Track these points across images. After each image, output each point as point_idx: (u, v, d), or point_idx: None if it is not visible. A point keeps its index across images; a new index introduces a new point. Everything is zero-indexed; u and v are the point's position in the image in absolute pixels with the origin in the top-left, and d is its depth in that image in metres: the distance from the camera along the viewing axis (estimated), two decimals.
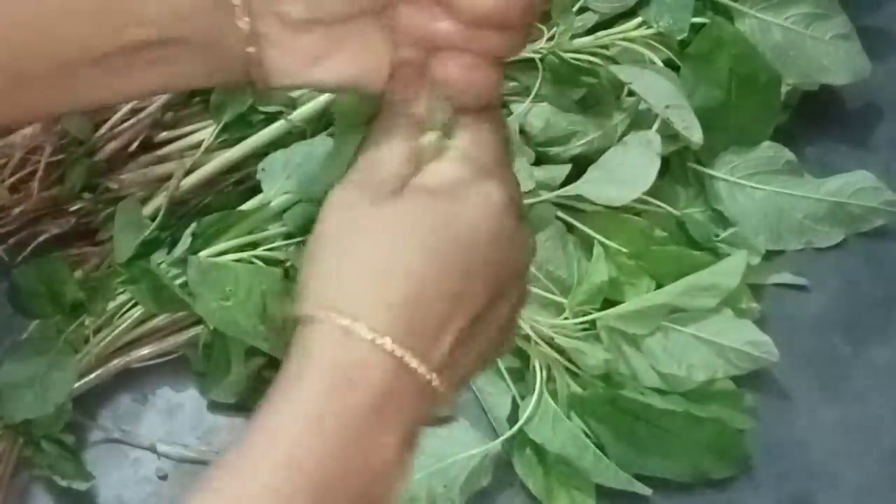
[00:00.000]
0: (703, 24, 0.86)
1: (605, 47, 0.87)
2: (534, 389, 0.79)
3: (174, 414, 0.82)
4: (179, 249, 0.79)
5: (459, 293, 0.45)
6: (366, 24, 0.48)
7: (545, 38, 0.87)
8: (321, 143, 0.82)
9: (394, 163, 0.47)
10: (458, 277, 0.45)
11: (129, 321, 0.80)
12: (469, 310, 0.45)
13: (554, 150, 0.86)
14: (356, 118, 0.77)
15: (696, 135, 0.83)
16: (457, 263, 0.45)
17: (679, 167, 0.87)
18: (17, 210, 0.81)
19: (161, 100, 0.84)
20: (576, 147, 0.85)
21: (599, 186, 0.82)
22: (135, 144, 0.84)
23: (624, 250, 0.83)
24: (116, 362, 0.80)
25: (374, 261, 0.45)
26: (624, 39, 0.87)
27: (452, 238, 0.45)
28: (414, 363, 0.44)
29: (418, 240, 0.45)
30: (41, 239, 0.83)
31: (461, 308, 0.45)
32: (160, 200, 0.82)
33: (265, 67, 0.47)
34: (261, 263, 0.79)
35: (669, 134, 0.83)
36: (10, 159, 0.81)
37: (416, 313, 0.44)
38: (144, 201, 0.83)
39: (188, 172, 0.83)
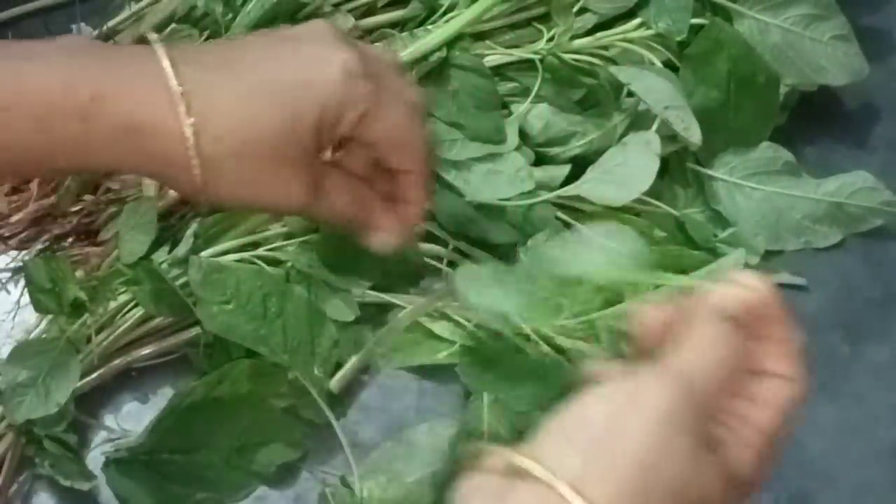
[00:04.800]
0: (702, 26, 0.86)
1: (605, 48, 0.87)
2: None
3: None
4: (181, 249, 0.79)
5: None
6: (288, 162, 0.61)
7: (545, 39, 0.87)
8: None
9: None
10: None
11: (130, 321, 0.80)
12: None
13: (553, 150, 0.86)
14: None
15: (695, 135, 0.83)
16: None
17: (678, 168, 0.87)
18: (15, 217, 0.81)
19: None
20: (575, 147, 0.86)
21: (599, 187, 0.83)
22: None
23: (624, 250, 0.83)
24: (118, 362, 0.80)
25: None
26: (623, 40, 0.87)
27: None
28: None
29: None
30: (43, 239, 0.83)
31: None
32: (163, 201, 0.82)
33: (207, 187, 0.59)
34: (262, 264, 0.80)
35: (669, 134, 0.84)
36: None
37: None
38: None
39: None
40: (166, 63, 0.58)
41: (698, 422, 0.45)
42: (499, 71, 0.87)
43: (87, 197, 0.83)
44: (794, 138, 0.89)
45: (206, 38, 0.85)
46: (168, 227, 0.83)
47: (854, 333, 0.86)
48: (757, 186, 0.87)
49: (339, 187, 0.66)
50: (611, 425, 0.44)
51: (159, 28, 0.86)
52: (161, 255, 0.80)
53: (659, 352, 0.47)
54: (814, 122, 0.92)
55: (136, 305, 0.80)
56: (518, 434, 0.59)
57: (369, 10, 0.90)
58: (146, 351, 0.81)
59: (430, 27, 0.88)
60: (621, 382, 0.46)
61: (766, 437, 0.48)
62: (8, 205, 0.81)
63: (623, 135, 0.85)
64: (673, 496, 0.44)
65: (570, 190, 0.83)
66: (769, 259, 0.87)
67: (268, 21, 0.85)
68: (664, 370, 0.46)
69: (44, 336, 0.80)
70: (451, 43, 0.86)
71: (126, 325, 0.80)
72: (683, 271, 0.82)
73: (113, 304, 0.80)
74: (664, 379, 0.45)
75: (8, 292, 0.83)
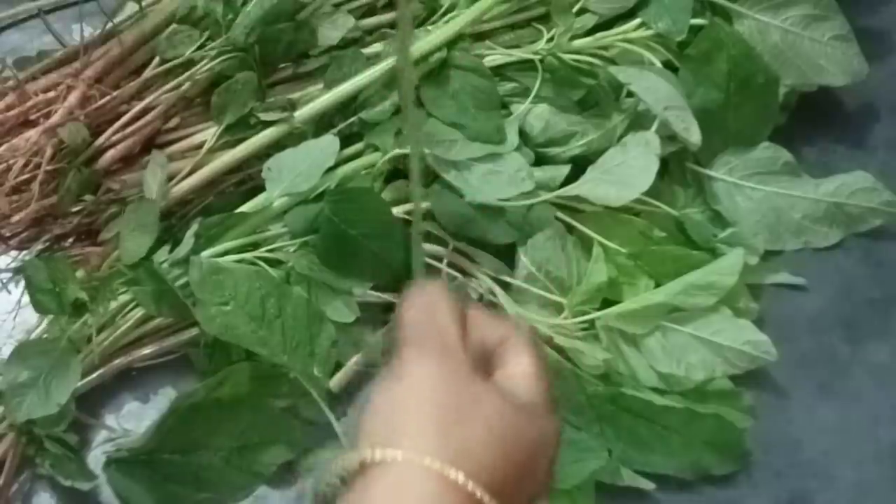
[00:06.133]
0: (702, 26, 0.87)
1: (605, 48, 0.88)
2: None
3: None
4: (182, 250, 0.79)
5: (518, 491, 0.49)
6: None
7: (545, 40, 0.87)
8: (328, 143, 0.83)
9: (468, 355, 0.51)
10: (526, 472, 0.49)
11: (131, 321, 0.80)
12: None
13: (553, 150, 0.86)
14: None
15: (694, 136, 0.83)
16: (522, 467, 0.49)
17: (678, 168, 0.88)
18: (16, 217, 0.81)
19: (161, 108, 0.85)
20: (575, 148, 0.86)
21: (599, 187, 0.83)
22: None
23: (623, 250, 0.83)
24: (119, 362, 0.81)
25: (480, 435, 0.48)
26: (623, 41, 0.87)
27: (525, 450, 0.49)
28: None
29: (506, 438, 0.48)
30: (44, 239, 0.83)
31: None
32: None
33: None
34: (262, 264, 0.80)
35: (668, 135, 0.84)
36: (13, 163, 0.81)
37: (502, 480, 0.47)
38: None
39: (190, 173, 0.84)
40: None
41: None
42: (499, 71, 0.87)
43: (88, 197, 0.83)
44: (794, 138, 0.89)
45: (206, 39, 0.85)
46: (169, 227, 0.83)
47: (854, 333, 0.86)
48: (756, 186, 0.87)
49: None
50: (455, 407, 0.48)
51: (159, 28, 0.86)
52: (162, 255, 0.80)
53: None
54: (813, 123, 0.92)
55: (136, 305, 0.80)
56: None
57: (369, 11, 0.90)
58: (147, 351, 0.81)
59: (430, 27, 0.88)
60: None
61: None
62: (9, 205, 0.81)
63: (623, 135, 0.85)
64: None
65: (570, 190, 0.83)
66: (769, 259, 0.87)
67: (268, 21, 0.85)
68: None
69: (45, 336, 0.80)
70: (451, 43, 0.86)
71: (127, 325, 0.80)
72: (683, 271, 0.82)
73: (114, 305, 0.80)
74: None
75: (9, 292, 0.83)
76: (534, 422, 0.50)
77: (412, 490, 0.46)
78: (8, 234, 0.83)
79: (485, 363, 0.53)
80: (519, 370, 0.52)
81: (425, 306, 0.52)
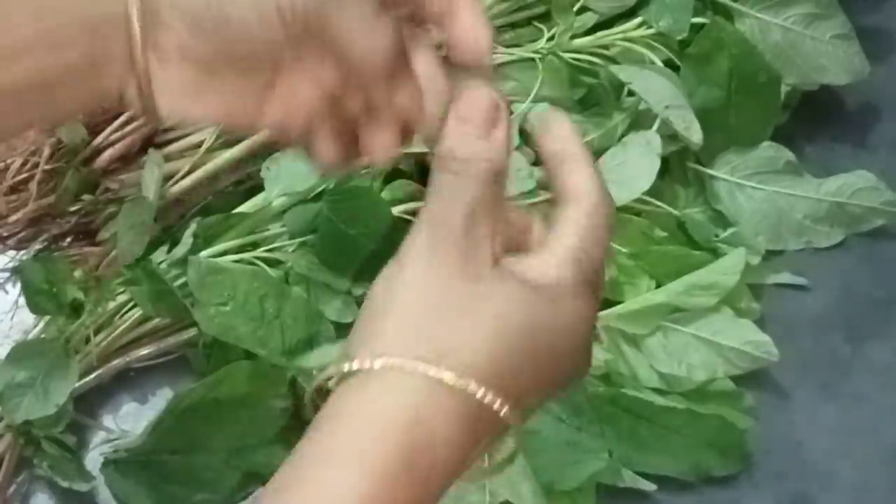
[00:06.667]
0: (703, 25, 0.86)
1: (605, 47, 0.87)
2: None
3: None
4: (181, 250, 0.79)
5: (533, 383, 0.47)
6: (239, 70, 0.48)
7: (545, 38, 0.87)
8: None
9: (487, 243, 0.47)
10: (536, 369, 0.46)
11: (129, 321, 0.80)
12: (534, 397, 0.47)
13: None
14: None
15: (695, 135, 0.83)
16: (536, 356, 0.46)
17: (679, 167, 0.87)
18: (14, 217, 0.81)
19: None
20: None
21: None
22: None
23: (624, 250, 0.83)
24: (117, 362, 0.80)
25: (475, 330, 0.45)
26: (624, 39, 0.87)
27: (539, 337, 0.46)
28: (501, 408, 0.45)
29: (510, 327, 0.46)
30: (42, 239, 0.83)
31: (529, 395, 0.47)
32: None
33: (149, 98, 0.47)
34: (261, 264, 0.79)
35: (669, 134, 0.84)
36: (10, 163, 0.81)
37: (500, 380, 0.45)
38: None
39: (189, 172, 0.83)
40: None
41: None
42: (499, 70, 0.87)
43: (86, 196, 0.83)
44: (796, 138, 0.89)
45: None
46: (167, 226, 0.83)
47: (855, 333, 0.86)
48: (758, 186, 0.87)
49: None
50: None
51: None
52: (160, 255, 0.80)
53: None
54: (815, 122, 0.92)
55: (134, 306, 0.80)
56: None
57: None
58: (145, 351, 0.81)
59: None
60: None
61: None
62: (6, 204, 0.81)
63: (623, 134, 0.85)
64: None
65: None
66: (770, 259, 0.87)
67: None
68: None
69: (42, 336, 0.80)
70: None
71: (125, 326, 0.80)
72: (684, 271, 0.82)
73: (111, 305, 0.80)
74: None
75: (6, 292, 0.83)
76: (553, 308, 0.46)
77: (387, 397, 0.44)
78: (5, 234, 0.82)
79: (520, 245, 0.49)
80: (553, 255, 0.48)
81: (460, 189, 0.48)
